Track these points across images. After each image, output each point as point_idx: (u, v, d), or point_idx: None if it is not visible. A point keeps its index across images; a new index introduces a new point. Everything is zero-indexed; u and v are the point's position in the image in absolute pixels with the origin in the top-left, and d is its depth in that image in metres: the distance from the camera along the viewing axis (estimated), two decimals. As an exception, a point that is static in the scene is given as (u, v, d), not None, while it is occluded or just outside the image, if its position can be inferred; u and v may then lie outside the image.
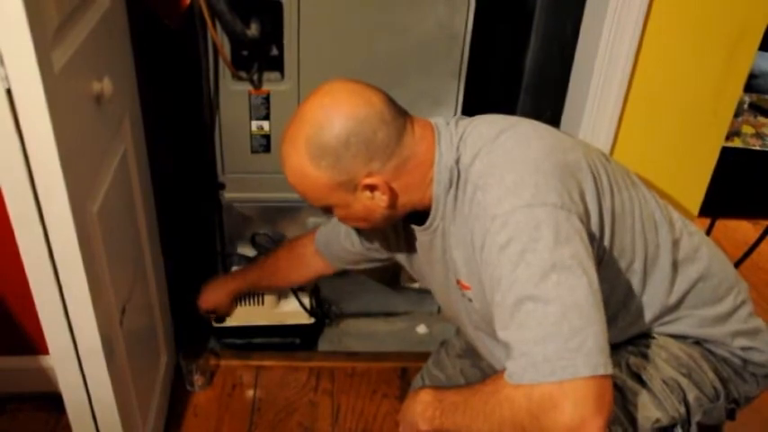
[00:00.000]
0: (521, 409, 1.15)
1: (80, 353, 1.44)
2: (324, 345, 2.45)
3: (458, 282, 1.42)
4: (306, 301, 2.30)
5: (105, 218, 1.44)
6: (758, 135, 3.10)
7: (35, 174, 1.19)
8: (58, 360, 1.44)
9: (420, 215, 1.43)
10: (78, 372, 1.47)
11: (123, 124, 1.64)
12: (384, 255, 1.73)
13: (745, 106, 3.27)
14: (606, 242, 1.32)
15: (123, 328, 1.61)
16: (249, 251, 2.29)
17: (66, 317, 1.38)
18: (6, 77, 1.10)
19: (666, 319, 1.46)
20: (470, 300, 1.41)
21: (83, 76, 1.33)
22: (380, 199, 1.33)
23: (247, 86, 1.98)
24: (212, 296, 2.16)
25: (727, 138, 2.96)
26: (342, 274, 2.19)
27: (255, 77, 1.96)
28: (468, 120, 1.40)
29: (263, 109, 2.01)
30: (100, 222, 1.41)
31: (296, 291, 2.27)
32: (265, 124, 2.04)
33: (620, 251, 1.35)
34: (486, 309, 1.33)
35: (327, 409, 2.16)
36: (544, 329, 1.13)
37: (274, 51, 1.92)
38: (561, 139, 1.35)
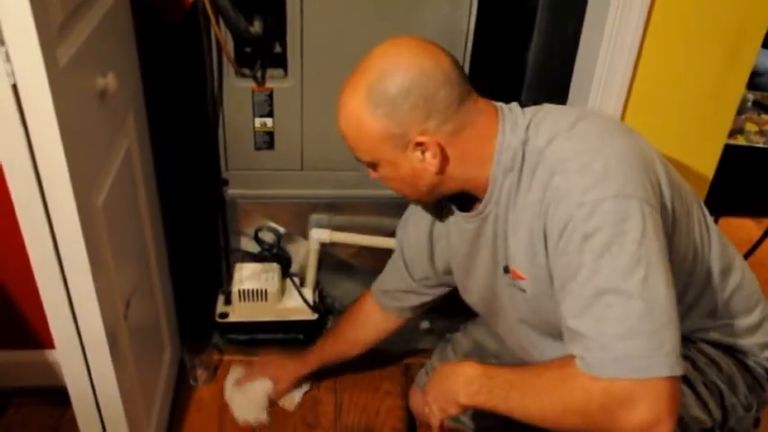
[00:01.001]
0: (594, 400, 1.14)
1: (85, 346, 1.44)
2: None
3: (509, 271, 1.39)
4: (309, 297, 2.30)
5: (110, 211, 1.44)
6: (761, 132, 3.10)
7: (40, 167, 1.20)
8: (63, 353, 1.44)
9: (465, 202, 1.41)
10: (83, 365, 1.47)
11: (127, 120, 1.64)
12: (433, 279, 1.73)
13: (749, 104, 3.26)
14: (672, 242, 1.30)
15: (128, 322, 1.61)
16: (252, 247, 2.30)
17: (71, 310, 1.38)
18: (12, 73, 1.11)
19: (708, 325, 1.46)
20: (523, 290, 1.37)
21: (87, 71, 1.33)
22: (430, 163, 1.29)
23: (251, 83, 1.97)
24: (278, 372, 2.10)
25: (731, 135, 2.96)
26: (342, 269, 2.29)
27: (259, 74, 1.95)
28: (533, 107, 1.36)
29: (267, 106, 2.01)
30: (104, 215, 1.41)
31: (298, 287, 2.28)
32: (269, 121, 2.03)
33: (680, 253, 1.34)
34: (540, 299, 1.33)
35: (330, 405, 2.15)
36: (628, 325, 1.12)
37: (277, 48, 1.91)
38: (634, 133, 1.33)
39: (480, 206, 1.37)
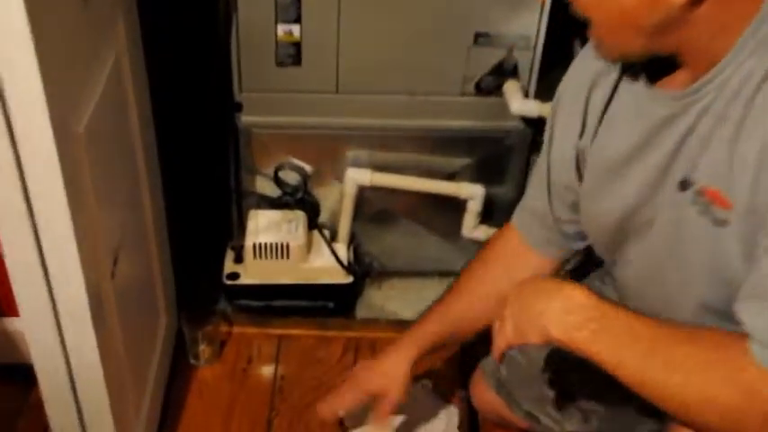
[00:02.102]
0: (758, 409, 1.09)
1: (59, 313, 1.44)
2: (363, 310, 2.49)
3: (688, 188, 1.28)
4: (342, 254, 2.32)
5: (94, 140, 1.43)
6: None
7: (5, 82, 1.19)
8: (31, 322, 1.44)
9: (657, 76, 1.31)
10: (56, 337, 1.47)
11: (116, 26, 1.64)
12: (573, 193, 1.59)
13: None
14: None
15: (114, 282, 1.60)
16: (271, 190, 2.33)
17: (43, 266, 1.37)
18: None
19: None
20: (721, 222, 1.23)
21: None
22: None
23: (273, -21, 1.99)
24: (381, 382, 1.77)
25: None
26: (384, 220, 2.35)
27: (283, -33, 1.92)
28: None
29: (294, 9, 2.02)
30: (87, 145, 1.39)
31: (329, 241, 2.30)
32: (295, 29, 2.06)
33: None
34: (744, 241, 1.20)
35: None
36: None
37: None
38: None
39: (697, 84, 1.24)
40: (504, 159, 2.35)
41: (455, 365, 2.20)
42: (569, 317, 1.23)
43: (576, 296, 1.24)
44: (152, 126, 1.93)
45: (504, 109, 2.21)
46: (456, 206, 2.37)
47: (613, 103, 1.41)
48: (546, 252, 1.69)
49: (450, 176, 2.35)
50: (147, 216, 1.92)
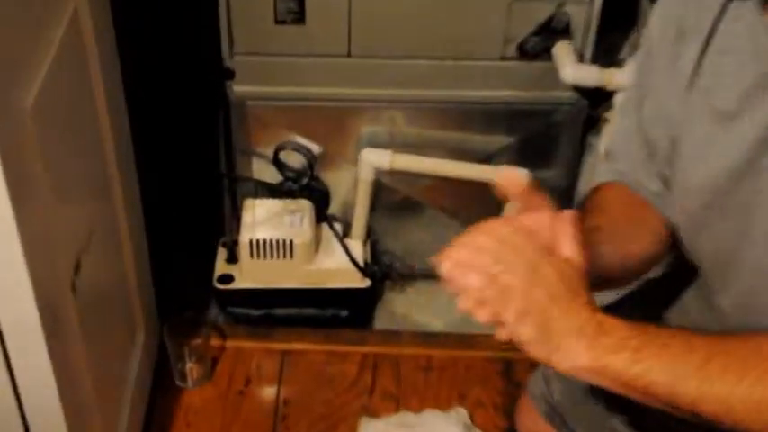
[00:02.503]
0: None
1: (3, 332, 1.39)
2: (383, 320, 2.42)
3: None
4: (357, 252, 2.27)
5: (45, 117, 1.38)
6: None
7: None
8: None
9: None
10: (1, 359, 1.43)
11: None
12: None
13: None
14: None
15: (78, 294, 1.56)
16: (271, 175, 2.28)
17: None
18: None
19: None
20: None
21: None
22: None
23: None
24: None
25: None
26: (407, 211, 2.37)
27: None
28: None
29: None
30: (36, 124, 1.34)
31: (341, 237, 2.29)
32: (298, -23, 2.05)
33: None
34: None
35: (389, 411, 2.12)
36: None
37: None
38: None
39: None
40: (552, 138, 2.31)
41: (496, 389, 2.19)
42: (602, 338, 1.13)
43: (599, 313, 1.14)
44: (122, 98, 1.89)
45: (553, 76, 2.16)
46: (494, 195, 2.25)
47: (719, 36, 1.32)
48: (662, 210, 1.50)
49: (487, 159, 2.29)
50: (119, 209, 1.88)
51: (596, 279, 1.29)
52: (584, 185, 2.13)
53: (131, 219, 1.97)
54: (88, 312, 1.63)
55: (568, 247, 1.15)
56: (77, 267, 1.57)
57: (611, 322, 1.13)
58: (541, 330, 1.13)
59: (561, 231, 1.16)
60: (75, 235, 1.59)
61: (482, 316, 1.13)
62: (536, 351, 1.14)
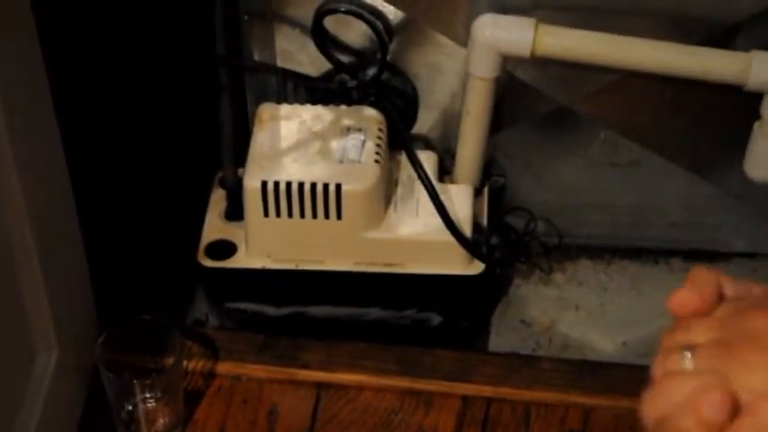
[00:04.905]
0: None
1: None
2: (505, 333, 1.84)
3: None
4: (464, 209, 1.67)
5: None
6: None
7: None
8: None
9: None
10: None
11: None
12: None
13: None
14: None
15: None
16: (308, 59, 1.81)
17: None
18: None
19: None
20: None
21: None
22: None
23: None
24: None
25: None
26: (565, 133, 1.83)
27: None
28: None
29: None
30: None
31: (433, 179, 1.66)
32: None
33: None
34: None
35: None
36: None
37: None
38: None
39: None
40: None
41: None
42: None
43: None
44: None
45: None
46: (734, 105, 1.69)
47: None
48: None
49: (724, 39, 1.62)
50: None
51: None
52: None
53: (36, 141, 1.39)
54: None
55: None
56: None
57: None
58: None
59: None
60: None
61: None
62: None
